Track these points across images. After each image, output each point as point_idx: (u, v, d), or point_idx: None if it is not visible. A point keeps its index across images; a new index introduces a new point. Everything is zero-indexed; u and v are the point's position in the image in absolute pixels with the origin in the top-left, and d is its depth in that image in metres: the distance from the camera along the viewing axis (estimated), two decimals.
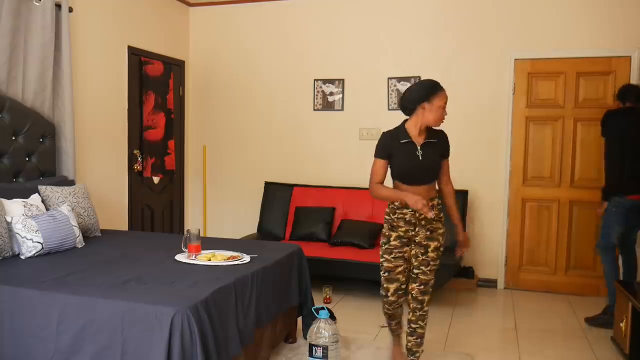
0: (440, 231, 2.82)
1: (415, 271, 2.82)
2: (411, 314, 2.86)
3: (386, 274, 2.86)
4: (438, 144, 2.83)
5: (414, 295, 2.83)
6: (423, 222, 2.79)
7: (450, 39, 4.87)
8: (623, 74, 4.48)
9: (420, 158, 2.77)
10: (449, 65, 4.86)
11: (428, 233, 2.79)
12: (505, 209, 4.82)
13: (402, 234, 2.81)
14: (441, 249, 2.84)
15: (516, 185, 4.80)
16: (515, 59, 4.72)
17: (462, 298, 4.55)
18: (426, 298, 2.83)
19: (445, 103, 2.73)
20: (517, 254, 4.83)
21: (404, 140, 2.78)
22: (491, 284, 4.90)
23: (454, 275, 4.43)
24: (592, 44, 4.54)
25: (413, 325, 2.86)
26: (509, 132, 4.77)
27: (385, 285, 2.88)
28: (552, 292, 4.73)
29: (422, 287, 2.81)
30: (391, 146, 2.80)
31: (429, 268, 2.80)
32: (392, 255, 2.83)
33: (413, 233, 2.81)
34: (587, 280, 4.67)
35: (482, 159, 4.83)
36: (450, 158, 2.88)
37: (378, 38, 5.09)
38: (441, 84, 2.76)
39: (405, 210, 2.79)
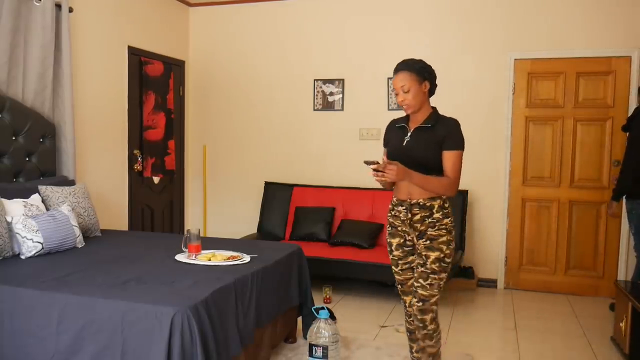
0: (443, 239, 2.45)
1: (415, 284, 2.49)
2: (416, 331, 2.57)
3: (399, 286, 2.64)
4: (432, 130, 2.49)
5: (414, 312, 2.51)
6: (417, 225, 2.47)
7: (450, 39, 4.87)
8: (623, 74, 4.49)
9: (404, 144, 2.51)
10: (449, 65, 4.86)
11: (427, 242, 2.46)
12: (505, 208, 4.82)
13: (401, 241, 2.56)
14: (447, 260, 2.46)
15: (516, 185, 4.80)
16: (515, 59, 4.72)
17: (462, 298, 4.55)
18: (427, 317, 2.48)
19: (399, 87, 2.47)
20: (517, 254, 4.83)
21: (399, 125, 2.60)
22: (491, 284, 4.90)
23: (453, 275, 4.43)
24: (592, 44, 4.54)
25: (421, 344, 2.56)
26: (509, 132, 4.78)
27: (402, 297, 2.66)
28: (552, 292, 4.73)
29: (420, 303, 2.47)
30: (389, 131, 2.65)
31: (428, 282, 2.45)
32: (399, 268, 2.61)
33: (412, 238, 2.52)
34: (587, 280, 4.67)
35: (482, 159, 4.83)
36: None
37: (378, 38, 5.09)
38: (399, 65, 2.50)
39: (399, 208, 2.54)
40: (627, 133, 4.04)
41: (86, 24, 4.28)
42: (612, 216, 4.19)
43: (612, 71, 4.52)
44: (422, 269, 2.46)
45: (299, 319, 3.45)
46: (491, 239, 4.88)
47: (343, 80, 5.22)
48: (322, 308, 3.03)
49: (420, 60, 2.51)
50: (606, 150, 4.57)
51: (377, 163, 2.33)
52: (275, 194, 5.30)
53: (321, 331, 2.93)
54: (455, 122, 2.53)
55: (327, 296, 4.29)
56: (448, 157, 2.46)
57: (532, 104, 4.74)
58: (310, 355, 2.95)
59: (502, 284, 4.88)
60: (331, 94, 5.27)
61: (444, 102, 4.84)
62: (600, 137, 4.59)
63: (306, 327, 3.32)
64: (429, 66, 2.52)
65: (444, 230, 2.46)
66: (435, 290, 2.46)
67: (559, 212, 4.72)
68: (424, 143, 2.47)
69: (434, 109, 2.58)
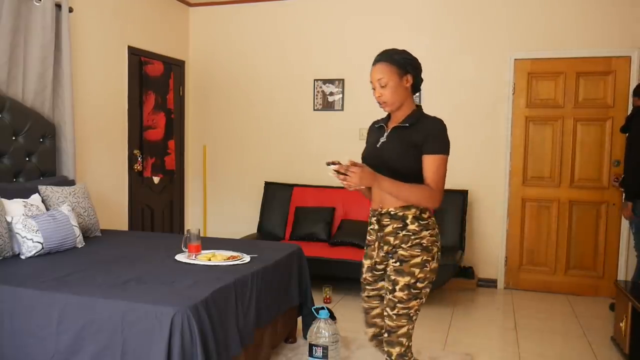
0: (416, 260, 2.06)
1: (384, 312, 2.14)
2: None
3: (364, 314, 2.29)
4: (410, 130, 2.10)
5: (383, 345, 2.17)
6: (390, 239, 2.11)
7: (450, 39, 4.87)
8: (623, 74, 4.49)
9: (378, 146, 2.18)
10: (449, 65, 4.87)
11: (397, 264, 2.07)
12: (505, 209, 4.82)
13: (372, 263, 2.22)
14: (418, 285, 2.05)
15: (516, 185, 4.80)
16: (515, 59, 4.72)
17: (462, 298, 4.55)
18: (393, 350, 2.09)
19: (376, 81, 2.19)
20: (517, 254, 4.83)
21: (378, 125, 2.28)
22: (491, 284, 4.90)
23: (454, 275, 4.43)
24: (592, 44, 4.54)
25: None
26: (509, 132, 4.77)
27: (365, 328, 2.33)
28: (552, 292, 4.73)
29: (386, 335, 2.11)
30: (369, 132, 2.34)
31: (395, 311, 2.07)
32: (366, 294, 2.26)
33: (384, 256, 2.16)
34: (587, 280, 4.67)
35: (482, 159, 4.83)
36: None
37: (378, 38, 5.08)
38: (378, 56, 2.25)
39: (372, 219, 2.24)
40: (627, 134, 4.03)
41: (86, 24, 4.28)
42: (626, 218, 4.00)
43: (612, 71, 4.52)
44: (390, 296, 2.08)
45: (299, 319, 3.45)
46: (491, 239, 4.88)
47: (343, 80, 5.22)
48: (322, 308, 3.03)
49: (403, 51, 2.19)
50: (606, 150, 4.57)
51: (340, 164, 2.02)
52: (275, 194, 5.30)
53: (321, 331, 2.93)
54: (439, 122, 2.11)
55: (327, 296, 4.29)
56: (428, 163, 2.05)
57: (532, 104, 4.74)
58: (310, 355, 2.95)
59: (502, 284, 4.88)
60: (331, 94, 5.27)
61: (444, 102, 4.89)
62: (600, 137, 4.59)
63: (306, 327, 3.32)
64: (414, 58, 2.19)
65: (418, 249, 2.06)
66: (404, 321, 2.07)
67: (559, 212, 4.72)
68: (399, 145, 2.10)
69: (418, 107, 2.20)
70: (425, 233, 2.08)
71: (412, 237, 2.07)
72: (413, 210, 2.08)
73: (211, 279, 2.52)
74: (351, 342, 3.42)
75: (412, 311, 2.08)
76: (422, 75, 2.24)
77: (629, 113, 4.36)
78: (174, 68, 5.45)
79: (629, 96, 4.46)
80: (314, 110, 5.34)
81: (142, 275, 2.57)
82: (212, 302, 2.30)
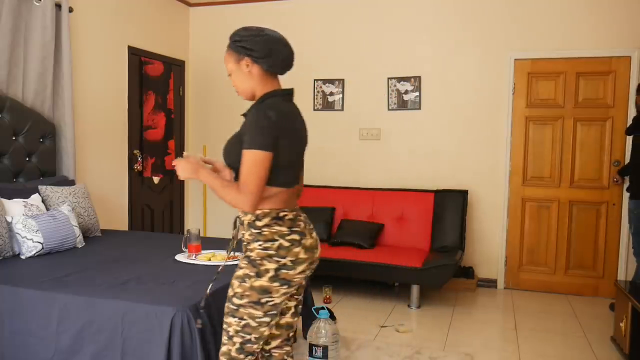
0: (239, 272, 1.80)
1: None
2: None
3: None
4: (245, 120, 1.88)
5: None
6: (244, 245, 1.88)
7: (450, 39, 4.87)
8: (623, 74, 4.48)
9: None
10: (448, 66, 4.86)
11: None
12: (505, 209, 4.82)
13: None
14: (234, 301, 1.79)
15: (516, 185, 4.80)
16: (515, 59, 4.72)
17: (462, 298, 4.55)
18: None
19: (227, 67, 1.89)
20: (517, 254, 4.83)
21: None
22: (491, 284, 4.90)
23: (453, 275, 4.43)
24: (592, 44, 4.54)
25: None
26: (508, 132, 4.77)
27: None
28: (552, 292, 4.73)
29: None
30: None
31: (223, 330, 1.85)
32: None
33: None
34: (587, 280, 4.67)
35: (482, 159, 4.83)
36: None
37: (378, 38, 5.09)
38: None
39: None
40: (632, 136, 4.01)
41: (86, 24, 4.28)
42: None
43: (612, 71, 4.52)
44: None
45: (299, 319, 3.45)
46: (491, 239, 4.88)
47: (343, 80, 5.22)
48: (322, 308, 3.03)
49: (241, 30, 1.85)
50: (606, 150, 4.57)
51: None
52: None
53: (321, 331, 2.94)
54: (256, 111, 1.81)
55: (327, 296, 4.29)
56: (242, 158, 1.73)
57: (532, 104, 4.74)
58: (310, 355, 2.95)
59: (502, 284, 4.88)
60: (331, 94, 5.27)
61: (444, 102, 4.89)
62: (600, 137, 4.59)
63: (306, 327, 3.32)
64: (249, 37, 1.81)
65: (245, 261, 1.79)
66: (224, 338, 1.82)
67: (559, 212, 4.71)
68: (231, 138, 1.88)
69: (271, 92, 1.91)
70: (254, 245, 1.78)
71: (247, 247, 1.83)
72: (249, 216, 1.80)
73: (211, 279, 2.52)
74: (351, 342, 3.42)
75: (230, 329, 1.78)
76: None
77: (630, 112, 4.37)
78: (174, 68, 5.45)
79: (629, 96, 4.46)
80: (314, 110, 5.34)
81: (142, 275, 2.57)
82: (212, 302, 2.30)
